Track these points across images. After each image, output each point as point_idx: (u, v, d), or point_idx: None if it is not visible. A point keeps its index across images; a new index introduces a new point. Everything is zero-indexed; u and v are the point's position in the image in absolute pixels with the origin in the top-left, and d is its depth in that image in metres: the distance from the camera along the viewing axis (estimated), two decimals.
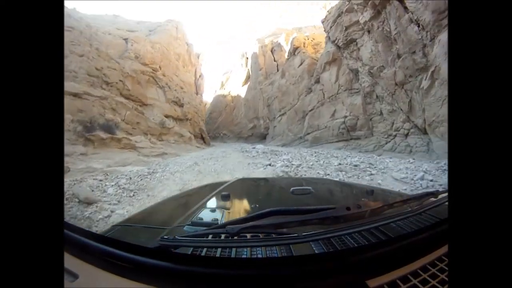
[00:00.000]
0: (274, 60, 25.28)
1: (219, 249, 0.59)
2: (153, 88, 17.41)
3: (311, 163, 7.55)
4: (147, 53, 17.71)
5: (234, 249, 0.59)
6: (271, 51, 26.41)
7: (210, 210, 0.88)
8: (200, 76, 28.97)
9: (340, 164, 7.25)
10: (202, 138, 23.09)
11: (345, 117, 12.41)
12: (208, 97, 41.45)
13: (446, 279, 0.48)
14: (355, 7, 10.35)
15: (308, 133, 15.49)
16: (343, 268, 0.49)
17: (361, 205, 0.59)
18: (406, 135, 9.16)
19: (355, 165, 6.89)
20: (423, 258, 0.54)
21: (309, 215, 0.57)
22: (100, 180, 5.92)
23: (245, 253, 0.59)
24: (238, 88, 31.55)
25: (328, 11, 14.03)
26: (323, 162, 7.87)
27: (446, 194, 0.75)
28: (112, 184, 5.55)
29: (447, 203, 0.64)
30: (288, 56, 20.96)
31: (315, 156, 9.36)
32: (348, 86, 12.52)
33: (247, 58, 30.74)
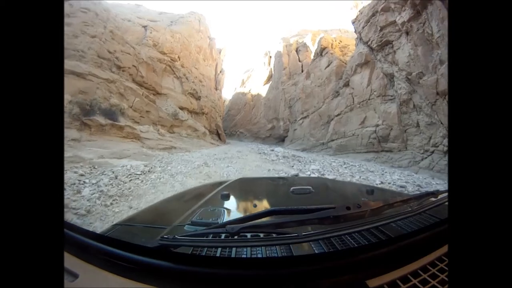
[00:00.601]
0: (299, 60, 24.52)
1: (219, 249, 0.59)
2: (170, 78, 16.78)
3: (346, 178, 6.66)
4: (166, 42, 17.02)
5: (234, 249, 0.59)
6: (296, 50, 25.59)
7: (210, 210, 0.88)
8: (220, 72, 28.44)
9: (382, 182, 6.19)
10: (218, 134, 22.40)
11: (377, 125, 11.15)
12: (227, 94, 41.58)
13: (446, 279, 0.48)
14: (392, 6, 9.25)
15: (333, 140, 14.47)
16: (343, 268, 0.49)
17: (361, 204, 0.60)
18: (446, 153, 7.86)
19: (401, 186, 5.84)
20: (423, 258, 0.54)
21: (309, 215, 0.57)
22: (81, 175, 4.65)
23: (245, 252, 0.59)
24: (258, 87, 30.98)
25: (359, 11, 12.66)
26: (359, 177, 6.84)
27: (446, 194, 0.75)
28: (92, 182, 4.30)
29: (447, 203, 0.64)
30: (314, 56, 20.13)
31: (347, 168, 8.53)
32: (381, 91, 11.31)
33: (270, 56, 29.85)
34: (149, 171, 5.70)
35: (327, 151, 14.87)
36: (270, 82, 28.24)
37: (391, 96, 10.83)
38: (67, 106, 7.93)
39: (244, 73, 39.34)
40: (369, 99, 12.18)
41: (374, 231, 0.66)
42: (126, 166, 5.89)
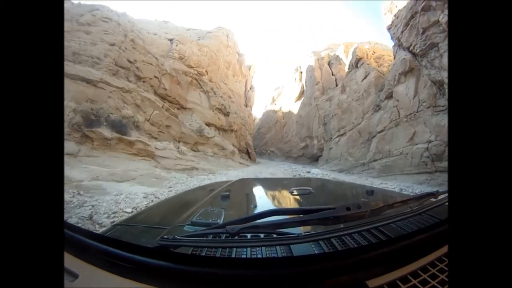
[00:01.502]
0: (332, 74, 23.31)
1: (219, 249, 0.59)
2: (196, 92, 16.12)
3: None
4: (192, 55, 16.62)
5: (234, 249, 0.59)
6: (328, 64, 24.51)
7: (210, 210, 0.88)
8: (250, 88, 27.73)
9: None
10: (248, 153, 21.19)
11: (429, 142, 9.34)
12: (257, 112, 41.39)
13: (446, 279, 0.48)
14: (433, 4, 8.43)
15: (375, 160, 12.46)
16: (343, 268, 0.49)
17: (361, 205, 0.59)
18: None
19: None
20: (423, 258, 0.54)
21: (309, 216, 0.56)
22: None
23: (245, 253, 0.59)
24: (290, 104, 29.80)
25: (395, 15, 11.95)
26: None
27: (446, 195, 0.75)
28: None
29: (447, 203, 0.64)
30: (349, 68, 18.35)
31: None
32: (431, 102, 9.61)
33: (301, 72, 28.80)
34: (146, 206, 3.91)
35: (368, 172, 12.75)
36: (302, 98, 26.97)
37: (443, 106, 9.19)
38: (68, 115, 7.16)
39: (274, 90, 38.94)
40: (417, 112, 10.25)
41: (374, 232, 0.66)
42: (121, 194, 4.53)
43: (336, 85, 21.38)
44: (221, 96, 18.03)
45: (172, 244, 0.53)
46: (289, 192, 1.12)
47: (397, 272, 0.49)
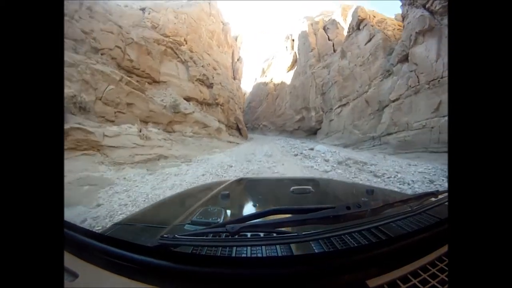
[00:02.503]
0: (329, 39, 20.68)
1: (219, 248, 0.59)
2: (172, 63, 13.66)
3: None
4: (168, 23, 14.14)
5: (234, 248, 0.59)
6: (324, 29, 21.77)
7: (210, 209, 0.88)
8: (238, 60, 24.97)
9: None
10: (239, 129, 18.99)
11: None
12: (247, 87, 38.12)
13: (446, 279, 0.48)
14: None
15: (390, 133, 10.55)
16: (343, 268, 0.49)
17: (361, 204, 0.59)
18: None
19: None
20: (423, 258, 0.54)
21: (309, 215, 0.56)
22: None
23: (245, 252, 0.59)
24: (282, 75, 27.09)
25: None
26: None
27: (446, 194, 0.75)
28: None
29: (447, 203, 0.64)
30: (348, 32, 16.21)
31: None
32: None
33: (293, 40, 26.02)
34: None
35: (381, 148, 10.71)
36: (295, 67, 24.22)
37: None
38: None
39: (264, 62, 36.04)
40: (442, 77, 8.50)
41: (374, 231, 0.66)
42: None
43: (334, 51, 18.99)
44: (202, 66, 15.48)
45: (172, 243, 0.53)
46: (289, 191, 1.12)
47: (397, 272, 0.49)
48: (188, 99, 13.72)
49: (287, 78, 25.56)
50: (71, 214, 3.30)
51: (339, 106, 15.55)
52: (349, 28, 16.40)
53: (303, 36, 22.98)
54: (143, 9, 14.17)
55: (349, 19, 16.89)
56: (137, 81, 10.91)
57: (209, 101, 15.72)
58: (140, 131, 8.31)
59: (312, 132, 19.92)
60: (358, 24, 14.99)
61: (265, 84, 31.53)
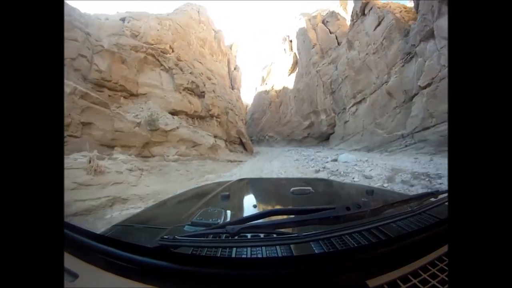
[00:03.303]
0: (330, 32, 19.31)
1: (219, 249, 0.59)
2: (155, 72, 12.01)
3: None
4: (150, 30, 12.71)
5: (234, 249, 0.59)
6: (323, 22, 20.46)
7: (210, 210, 0.88)
8: (235, 69, 23.08)
9: None
10: (242, 143, 16.62)
11: None
12: (248, 98, 36.15)
13: (446, 279, 0.48)
14: None
15: (426, 128, 8.66)
16: (343, 268, 0.49)
17: (361, 205, 0.59)
18: None
19: None
20: (423, 258, 0.54)
21: (309, 215, 0.56)
22: None
23: (245, 253, 0.59)
24: (283, 80, 25.49)
25: None
26: None
27: (446, 194, 0.75)
28: None
29: (447, 203, 0.64)
30: (352, 19, 14.71)
31: None
32: None
33: (291, 40, 24.56)
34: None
35: (417, 147, 8.87)
36: (297, 69, 22.70)
37: None
38: None
39: (262, 70, 34.56)
40: None
41: (374, 231, 0.66)
42: None
43: (338, 44, 17.38)
44: (190, 73, 13.43)
45: (172, 244, 0.53)
46: (289, 192, 1.12)
47: (397, 272, 0.49)
48: (174, 112, 11.66)
49: (289, 82, 23.95)
50: None
51: (353, 104, 13.54)
52: (352, 16, 14.82)
53: (302, 33, 21.49)
54: (123, 19, 12.92)
55: (350, 7, 15.79)
56: (109, 95, 9.38)
57: (201, 114, 13.41)
58: (90, 162, 5.52)
59: (324, 138, 18.08)
60: (363, 9, 13.42)
61: (267, 92, 29.86)
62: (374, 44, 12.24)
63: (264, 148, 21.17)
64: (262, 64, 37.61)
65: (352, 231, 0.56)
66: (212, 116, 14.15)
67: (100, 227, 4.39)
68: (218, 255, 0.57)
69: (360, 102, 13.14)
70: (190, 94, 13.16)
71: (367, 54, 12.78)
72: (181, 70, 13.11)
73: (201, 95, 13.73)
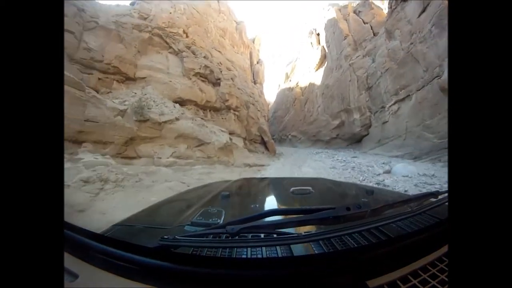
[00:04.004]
0: (364, 23, 17.69)
1: (220, 249, 0.59)
2: (161, 55, 10.31)
3: None
4: (162, 13, 11.11)
5: (234, 249, 0.59)
6: (355, 12, 18.92)
7: (211, 210, 0.88)
8: (258, 62, 21.06)
9: None
10: (264, 142, 14.38)
11: None
12: (271, 96, 33.30)
13: (446, 279, 0.48)
14: None
15: None
16: (343, 268, 0.49)
17: (361, 205, 0.59)
18: None
19: None
20: (423, 258, 0.54)
21: (309, 215, 0.56)
22: None
23: (245, 253, 0.59)
24: (309, 76, 23.71)
25: None
26: None
27: (446, 194, 0.75)
28: None
29: (447, 203, 0.64)
30: (390, 7, 12.89)
31: None
32: None
33: (318, 34, 22.95)
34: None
35: None
36: (325, 64, 20.90)
37: None
38: None
39: (287, 66, 32.35)
40: None
41: (374, 232, 0.66)
42: None
43: (374, 35, 15.65)
44: (204, 57, 11.49)
45: (172, 244, 0.53)
46: (289, 192, 1.12)
47: (397, 272, 0.49)
48: (181, 102, 9.71)
49: (316, 78, 21.97)
50: None
51: (395, 102, 11.43)
52: (390, 4, 13.13)
53: (332, 24, 19.72)
54: (133, 3, 11.59)
55: None
56: (99, 78, 7.91)
57: (215, 104, 11.09)
58: None
59: (355, 140, 15.96)
60: None
61: (291, 89, 27.81)
62: (419, 32, 10.37)
63: (288, 149, 19.08)
64: (286, 60, 34.77)
65: (352, 231, 0.56)
66: (229, 108, 11.64)
67: None
68: (218, 255, 0.57)
69: (403, 99, 11.02)
70: (202, 81, 11.00)
71: (411, 43, 10.79)
72: (193, 53, 11.11)
73: (216, 82, 11.49)
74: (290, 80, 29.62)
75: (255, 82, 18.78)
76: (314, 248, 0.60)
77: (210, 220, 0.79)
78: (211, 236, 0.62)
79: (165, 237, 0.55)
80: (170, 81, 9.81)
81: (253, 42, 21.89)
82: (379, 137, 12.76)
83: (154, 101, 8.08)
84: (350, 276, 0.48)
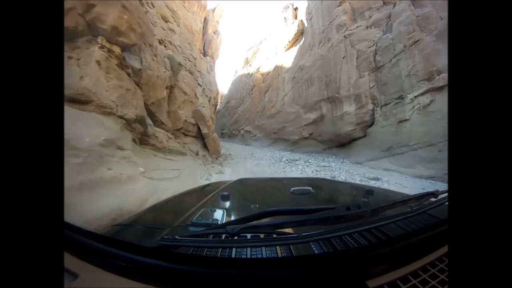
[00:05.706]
0: None
1: (219, 249, 0.59)
2: None
3: None
4: None
5: (234, 249, 0.59)
6: None
7: (210, 210, 0.88)
8: (214, 33, 15.15)
9: None
10: (202, 138, 9.02)
11: None
12: (224, 87, 28.64)
13: (446, 279, 0.48)
14: None
15: None
16: (343, 268, 0.49)
17: (361, 205, 0.59)
18: None
19: None
20: (423, 258, 0.54)
21: (309, 216, 0.56)
22: None
23: (245, 253, 0.59)
24: (276, 58, 18.49)
25: None
26: None
27: (446, 194, 0.75)
28: None
29: (447, 203, 0.64)
30: None
31: None
32: None
33: (296, 8, 18.13)
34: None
35: None
36: (302, 40, 15.88)
37: None
38: None
39: (247, 51, 26.68)
40: None
41: (374, 232, 0.66)
42: None
43: (384, 3, 10.88)
44: None
45: (172, 244, 0.53)
46: (289, 192, 1.12)
47: (397, 272, 0.49)
48: None
49: (286, 59, 16.90)
50: None
51: (426, 91, 7.80)
52: None
53: None
54: None
55: None
56: None
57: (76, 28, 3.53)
58: None
59: (338, 144, 11.36)
60: None
61: (249, 75, 21.75)
62: None
63: (238, 148, 14.11)
64: (246, 46, 29.09)
65: (352, 231, 0.56)
66: (96, 30, 3.68)
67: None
68: (218, 255, 0.58)
69: (441, 88, 7.40)
70: None
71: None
72: None
73: None
74: (250, 65, 23.55)
75: (205, 54, 13.59)
76: (314, 248, 0.60)
77: (210, 220, 0.79)
78: (211, 236, 0.62)
79: (165, 237, 0.55)
80: None
81: (213, 12, 16.34)
82: (390, 143, 8.77)
83: None
84: (350, 276, 0.48)
